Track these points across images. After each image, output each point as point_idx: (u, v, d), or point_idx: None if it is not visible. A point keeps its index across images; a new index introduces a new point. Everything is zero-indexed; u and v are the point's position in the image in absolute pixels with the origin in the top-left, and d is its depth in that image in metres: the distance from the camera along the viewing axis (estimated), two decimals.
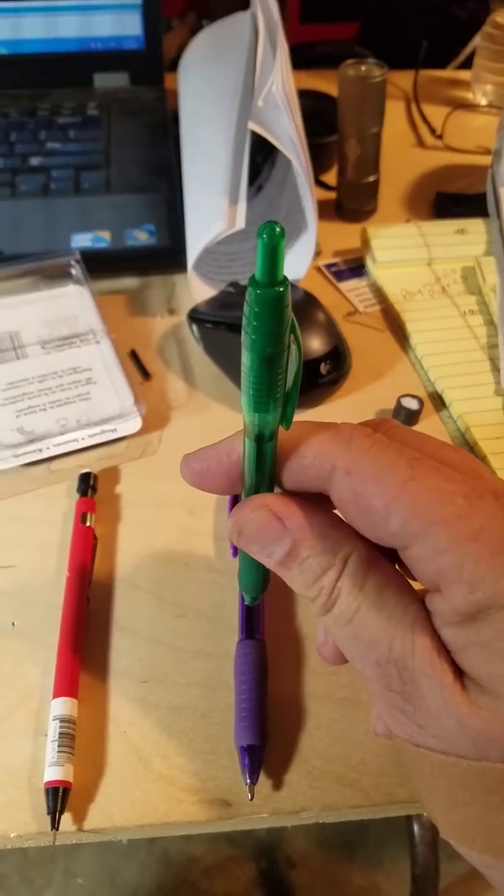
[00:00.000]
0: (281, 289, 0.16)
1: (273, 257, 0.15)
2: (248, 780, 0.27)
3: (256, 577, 0.23)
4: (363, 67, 0.49)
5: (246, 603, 0.24)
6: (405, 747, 0.20)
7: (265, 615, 0.31)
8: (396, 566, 0.20)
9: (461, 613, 0.18)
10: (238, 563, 0.23)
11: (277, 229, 0.15)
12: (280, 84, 0.43)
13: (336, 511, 0.20)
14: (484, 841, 0.19)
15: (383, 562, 0.20)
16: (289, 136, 0.42)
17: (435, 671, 0.18)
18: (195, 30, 0.89)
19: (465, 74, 0.72)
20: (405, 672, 0.18)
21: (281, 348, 0.17)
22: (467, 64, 0.71)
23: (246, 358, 0.17)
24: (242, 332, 0.17)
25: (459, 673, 0.18)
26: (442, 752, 0.18)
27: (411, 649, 0.18)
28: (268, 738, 0.28)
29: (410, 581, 0.20)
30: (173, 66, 0.61)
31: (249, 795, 0.27)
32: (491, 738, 0.18)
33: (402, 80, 0.71)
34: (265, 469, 0.20)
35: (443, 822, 0.20)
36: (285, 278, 0.16)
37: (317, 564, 0.19)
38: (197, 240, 0.43)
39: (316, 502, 0.20)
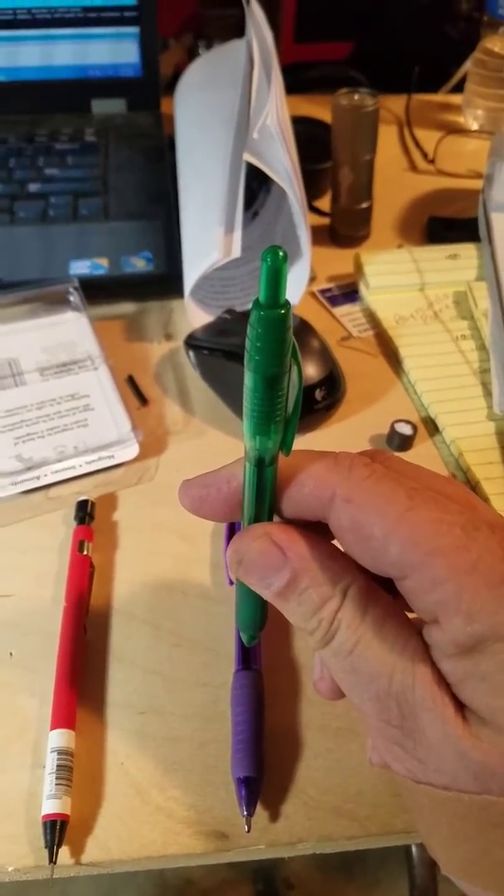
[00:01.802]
0: (283, 311, 0.16)
1: (276, 280, 0.16)
2: (245, 812, 0.27)
3: (255, 613, 0.23)
4: (356, 97, 0.50)
5: (244, 643, 0.25)
6: (405, 783, 0.20)
7: (262, 645, 0.32)
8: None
9: (459, 645, 0.18)
10: (236, 600, 0.24)
11: (280, 254, 0.15)
12: (275, 115, 0.44)
13: (334, 542, 0.20)
14: (487, 877, 0.19)
15: (382, 594, 0.20)
16: (284, 167, 0.43)
17: (436, 704, 0.18)
18: (191, 50, 0.90)
19: (456, 98, 0.73)
20: (405, 706, 0.18)
21: (283, 370, 0.17)
22: (459, 87, 0.72)
23: (248, 380, 0.18)
24: (245, 355, 0.17)
25: (460, 706, 0.18)
26: (443, 786, 0.19)
27: (412, 683, 0.18)
28: (264, 770, 0.28)
29: (408, 614, 0.20)
30: (170, 86, 0.62)
31: (246, 827, 0.27)
32: (493, 772, 0.18)
33: (395, 104, 0.72)
34: (265, 496, 0.20)
35: (444, 859, 0.20)
36: (287, 301, 0.16)
37: (317, 596, 0.19)
38: (193, 268, 0.44)
39: (314, 532, 0.20)
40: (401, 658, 0.19)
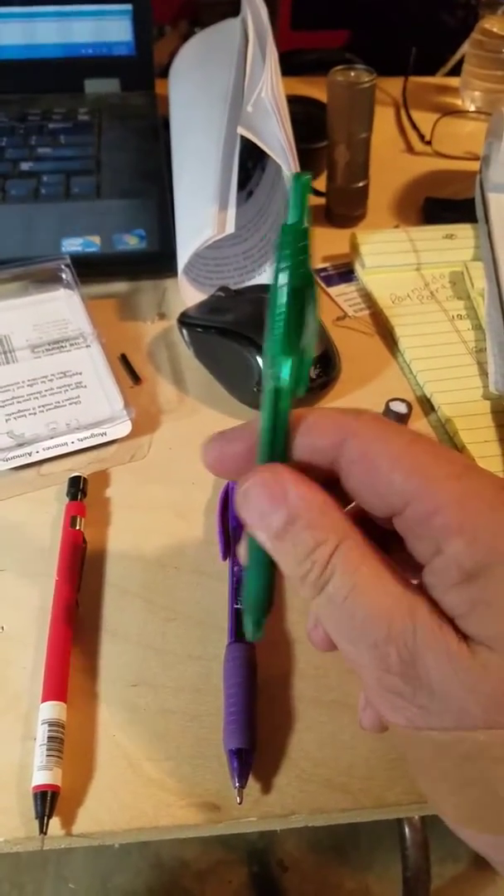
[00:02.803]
0: (306, 226, 0.19)
1: (303, 199, 0.19)
2: (237, 784, 0.27)
3: (264, 585, 0.22)
4: (352, 73, 0.49)
5: (248, 638, 0.24)
6: (405, 735, 0.19)
7: None
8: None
9: (464, 570, 0.18)
10: (245, 579, 0.23)
11: (305, 178, 0.19)
12: (269, 89, 0.44)
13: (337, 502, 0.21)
14: (495, 819, 0.19)
15: (377, 549, 0.20)
16: (278, 141, 0.42)
17: (439, 642, 0.18)
18: (187, 36, 0.90)
19: (453, 81, 0.72)
20: (405, 651, 0.18)
21: (304, 283, 0.20)
22: (456, 70, 0.72)
23: (272, 296, 0.20)
24: (272, 275, 0.20)
25: (464, 639, 0.18)
26: (447, 728, 0.18)
27: (412, 626, 0.18)
28: (257, 742, 0.28)
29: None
30: (165, 72, 0.61)
31: (238, 799, 0.27)
32: (502, 703, 0.18)
33: (392, 86, 0.71)
34: (279, 434, 0.21)
35: (449, 808, 0.20)
36: (308, 226, 0.20)
37: (311, 537, 0.19)
38: (187, 245, 0.44)
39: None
40: (398, 603, 0.19)
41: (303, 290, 0.20)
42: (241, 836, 0.82)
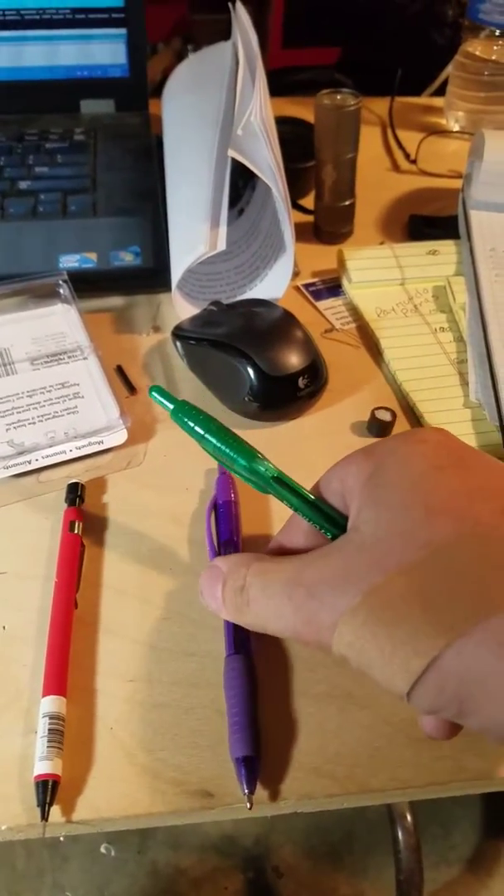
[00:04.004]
0: (180, 402, 0.31)
1: (166, 399, 0.31)
2: (246, 791, 0.28)
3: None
4: (339, 97, 0.52)
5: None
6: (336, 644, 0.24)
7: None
8: None
9: (364, 475, 0.26)
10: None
11: (156, 389, 0.31)
12: (258, 113, 0.46)
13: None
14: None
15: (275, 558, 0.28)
16: (267, 163, 0.44)
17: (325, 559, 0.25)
18: (180, 54, 0.92)
19: (438, 101, 0.75)
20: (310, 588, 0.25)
21: (213, 423, 0.30)
22: (441, 91, 0.74)
23: (206, 447, 0.30)
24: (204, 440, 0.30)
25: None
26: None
27: (308, 566, 0.26)
28: (261, 748, 0.29)
29: None
30: (159, 90, 0.63)
31: (248, 805, 0.28)
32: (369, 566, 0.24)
33: (379, 106, 0.74)
34: (311, 500, 0.28)
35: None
36: (179, 402, 0.31)
37: (236, 578, 0.28)
38: (180, 261, 0.45)
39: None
40: (292, 570, 0.26)
41: (218, 429, 0.29)
42: (237, 842, 0.82)
